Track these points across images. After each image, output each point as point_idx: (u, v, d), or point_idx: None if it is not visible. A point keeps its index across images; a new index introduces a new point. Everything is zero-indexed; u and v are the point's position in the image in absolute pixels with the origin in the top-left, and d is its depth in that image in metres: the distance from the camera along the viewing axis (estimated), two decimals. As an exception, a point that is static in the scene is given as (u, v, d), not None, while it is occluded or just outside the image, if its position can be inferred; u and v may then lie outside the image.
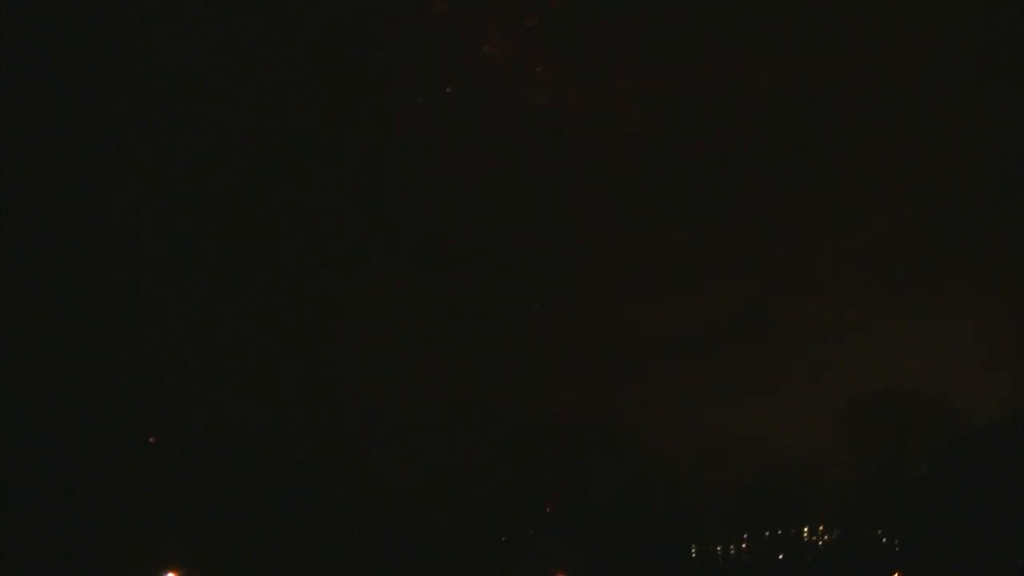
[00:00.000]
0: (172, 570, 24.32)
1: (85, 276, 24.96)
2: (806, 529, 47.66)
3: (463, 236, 28.66)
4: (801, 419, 30.01)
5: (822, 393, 30.07)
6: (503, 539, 27.67)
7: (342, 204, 27.20)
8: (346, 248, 27.77)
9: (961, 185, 29.69)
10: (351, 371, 27.21)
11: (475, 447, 28.02)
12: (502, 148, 27.49)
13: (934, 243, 30.21)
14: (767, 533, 44.68)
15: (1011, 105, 29.09)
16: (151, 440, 24.25)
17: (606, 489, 29.36)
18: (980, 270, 29.73)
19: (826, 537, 47.27)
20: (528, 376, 28.95)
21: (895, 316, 30.30)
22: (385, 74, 26.98)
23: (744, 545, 48.58)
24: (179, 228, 26.22)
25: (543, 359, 29.09)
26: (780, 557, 48.81)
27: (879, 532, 36.24)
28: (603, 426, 29.38)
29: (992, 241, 29.38)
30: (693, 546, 45.95)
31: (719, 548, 49.43)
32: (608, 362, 29.79)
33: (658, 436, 29.86)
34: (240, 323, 26.47)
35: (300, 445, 26.57)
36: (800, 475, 31.78)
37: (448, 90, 26.41)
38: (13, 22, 24.58)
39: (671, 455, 29.91)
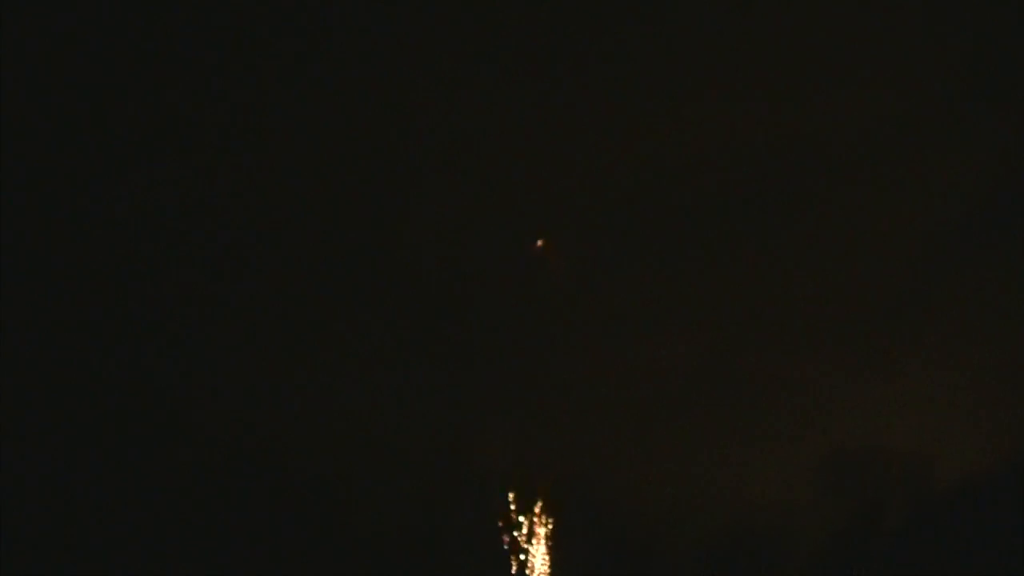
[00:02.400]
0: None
1: (85, 276, 25.33)
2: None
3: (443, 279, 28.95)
4: (776, 473, 30.43)
5: (798, 447, 30.42)
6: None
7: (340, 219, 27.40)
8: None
9: (940, 235, 30.01)
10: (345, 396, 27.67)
11: (450, 498, 28.81)
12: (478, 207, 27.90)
13: (913, 293, 30.55)
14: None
15: (989, 153, 29.46)
16: None
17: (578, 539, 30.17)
18: (959, 322, 30.18)
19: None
20: (501, 425, 29.44)
21: (873, 369, 30.64)
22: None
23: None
24: (178, 232, 26.47)
25: (516, 407, 29.55)
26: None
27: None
28: (577, 475, 29.87)
29: (973, 289, 29.80)
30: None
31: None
32: (581, 411, 30.16)
33: (632, 488, 30.38)
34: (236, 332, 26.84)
35: (298, 465, 27.06)
36: (773, 531, 32.07)
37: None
38: (13, 21, 24.65)
39: (644, 507, 30.43)
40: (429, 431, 28.27)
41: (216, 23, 25.59)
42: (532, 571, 29.11)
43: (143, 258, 25.61)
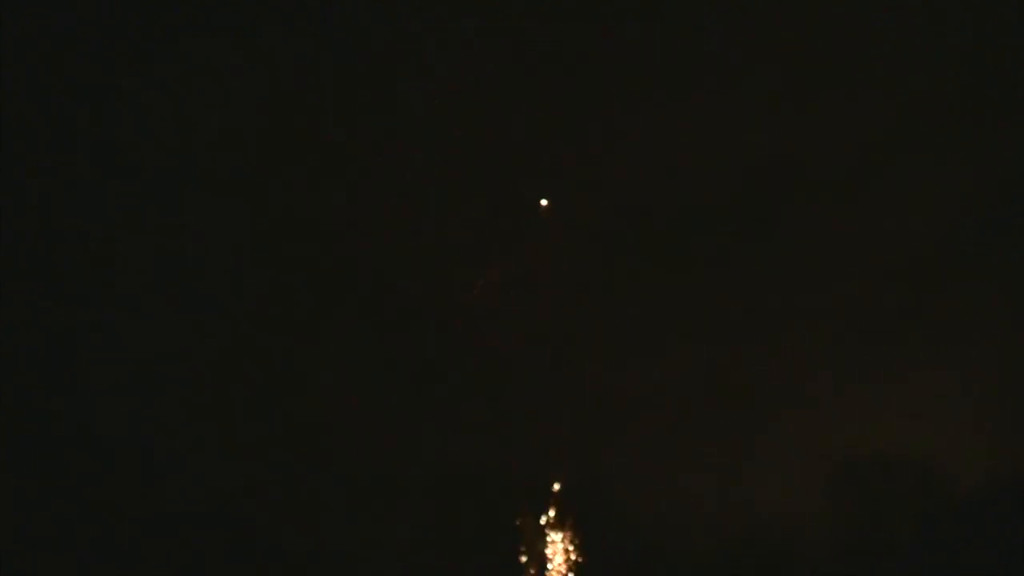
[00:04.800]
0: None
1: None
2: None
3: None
4: (783, 483, 29.88)
5: (805, 456, 29.88)
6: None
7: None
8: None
9: (945, 237, 30.05)
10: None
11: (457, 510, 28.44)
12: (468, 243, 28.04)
13: (919, 297, 30.41)
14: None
15: (992, 154, 29.71)
16: None
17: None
18: (967, 325, 30.07)
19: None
20: (503, 440, 29.10)
21: (880, 378, 30.25)
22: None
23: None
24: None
25: (520, 422, 29.24)
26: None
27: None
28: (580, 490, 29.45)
29: (980, 292, 29.75)
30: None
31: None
32: (582, 425, 29.85)
33: (638, 497, 29.91)
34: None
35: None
36: (780, 541, 31.26)
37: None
38: (13, 22, 24.76)
39: (651, 516, 29.94)
40: (440, 438, 27.87)
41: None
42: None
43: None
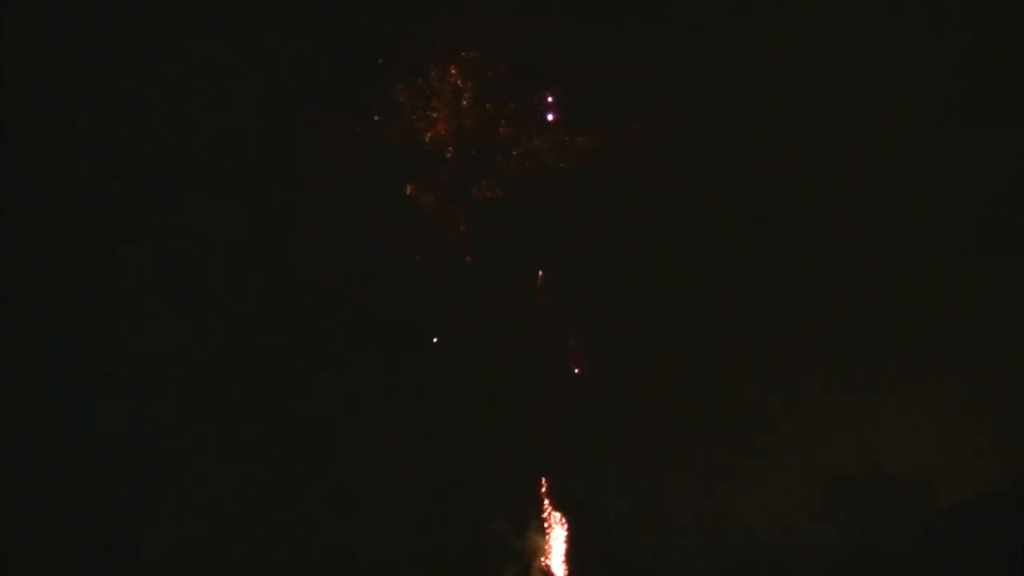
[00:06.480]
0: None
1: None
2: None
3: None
4: (775, 498, 29.69)
5: (796, 471, 29.68)
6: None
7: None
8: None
9: (934, 254, 29.89)
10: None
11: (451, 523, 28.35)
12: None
13: (913, 309, 30.25)
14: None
15: (985, 169, 29.54)
16: None
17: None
18: (956, 340, 29.90)
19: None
20: (498, 455, 28.98)
21: (871, 392, 30.07)
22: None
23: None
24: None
25: (515, 437, 29.14)
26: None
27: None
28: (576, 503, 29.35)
29: (972, 305, 29.61)
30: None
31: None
32: (577, 438, 29.68)
33: (626, 516, 29.77)
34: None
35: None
36: (773, 558, 31.00)
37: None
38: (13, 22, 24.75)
39: (646, 532, 29.77)
40: (444, 450, 27.87)
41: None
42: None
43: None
